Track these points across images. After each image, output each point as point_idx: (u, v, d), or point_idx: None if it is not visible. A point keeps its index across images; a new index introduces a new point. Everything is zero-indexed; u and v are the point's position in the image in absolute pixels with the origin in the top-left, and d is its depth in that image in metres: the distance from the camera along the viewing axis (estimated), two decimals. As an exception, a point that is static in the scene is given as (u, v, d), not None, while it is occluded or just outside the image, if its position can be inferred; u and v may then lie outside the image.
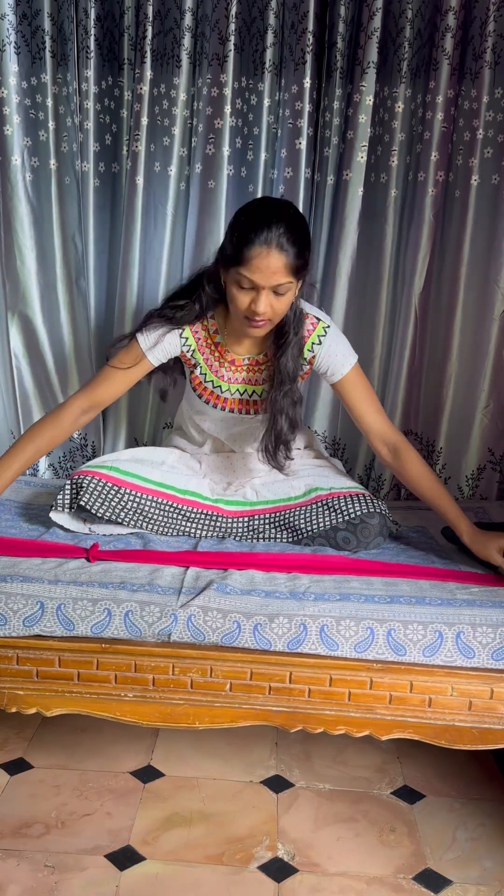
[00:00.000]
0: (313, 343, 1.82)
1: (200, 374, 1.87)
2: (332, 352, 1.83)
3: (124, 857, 1.58)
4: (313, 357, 1.84)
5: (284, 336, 1.77)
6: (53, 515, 1.82)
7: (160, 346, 1.82)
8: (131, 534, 1.86)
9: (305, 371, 1.86)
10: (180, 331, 1.83)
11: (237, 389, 1.88)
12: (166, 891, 1.50)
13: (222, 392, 1.88)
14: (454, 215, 2.19)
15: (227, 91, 2.14)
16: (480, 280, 2.20)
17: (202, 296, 1.79)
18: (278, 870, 1.56)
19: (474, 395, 2.27)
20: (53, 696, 1.56)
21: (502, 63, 2.08)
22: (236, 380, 1.87)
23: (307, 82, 2.11)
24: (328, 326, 1.83)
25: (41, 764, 1.85)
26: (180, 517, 1.87)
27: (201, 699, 1.54)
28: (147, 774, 1.83)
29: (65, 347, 2.33)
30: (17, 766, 1.84)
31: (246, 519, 1.92)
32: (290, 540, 1.88)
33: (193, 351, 1.85)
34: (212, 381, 1.87)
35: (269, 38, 2.14)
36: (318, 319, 1.83)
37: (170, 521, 1.86)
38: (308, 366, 1.85)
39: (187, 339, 1.84)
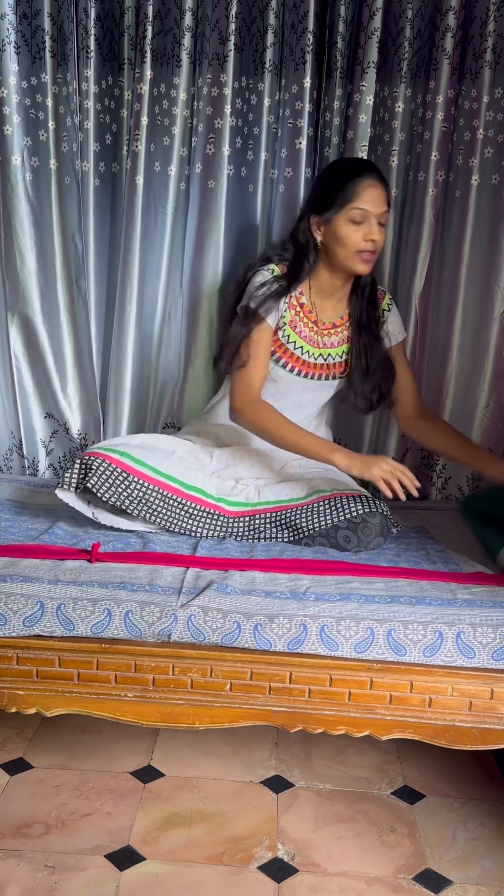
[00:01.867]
0: (383, 310, 2.08)
1: (283, 336, 1.97)
2: (394, 319, 2.10)
3: (124, 857, 1.58)
4: (384, 322, 2.07)
5: (363, 289, 2.02)
6: (59, 493, 1.82)
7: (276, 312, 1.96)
8: (131, 533, 1.86)
9: None
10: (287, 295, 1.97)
11: (320, 354, 2.02)
12: (166, 891, 1.50)
13: (305, 355, 2.00)
14: (454, 215, 2.19)
15: (227, 91, 2.14)
16: (480, 280, 2.20)
17: (308, 254, 1.95)
18: (278, 870, 1.56)
19: (474, 395, 2.27)
20: (53, 696, 1.56)
21: (502, 63, 2.08)
22: (322, 344, 2.01)
23: (307, 82, 2.12)
24: (392, 297, 2.11)
25: (41, 764, 1.85)
26: (183, 513, 1.87)
27: (201, 699, 1.54)
28: (147, 774, 1.83)
29: (65, 347, 2.33)
30: (17, 766, 1.84)
31: (247, 518, 1.91)
32: (291, 539, 1.87)
33: (284, 314, 1.97)
34: (297, 344, 1.98)
35: (270, 37, 2.14)
36: (384, 291, 2.10)
37: (172, 514, 1.86)
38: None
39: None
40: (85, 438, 2.40)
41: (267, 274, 1.94)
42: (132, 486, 1.81)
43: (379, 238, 1.89)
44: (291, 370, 2.00)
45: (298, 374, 2.01)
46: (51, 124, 2.17)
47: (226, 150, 2.18)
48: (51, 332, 2.32)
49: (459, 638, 1.48)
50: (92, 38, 2.15)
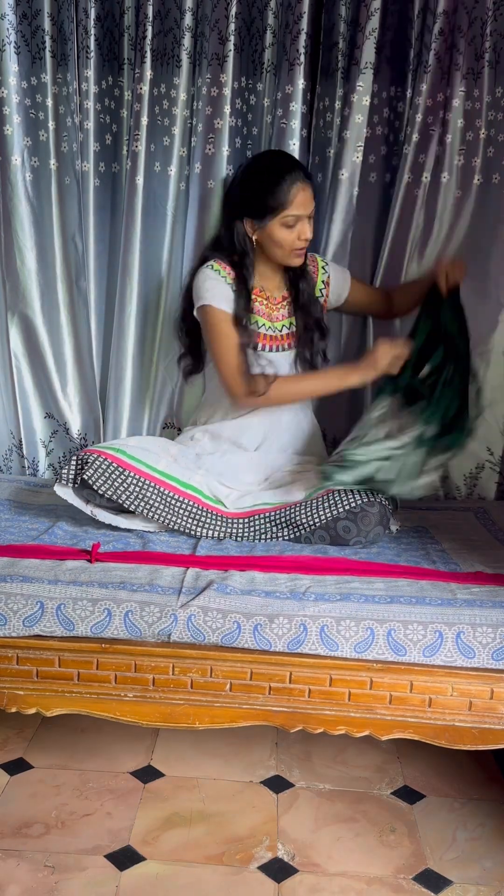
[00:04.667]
0: (322, 269, 2.12)
1: (251, 322, 2.00)
2: (335, 270, 2.15)
3: (124, 857, 1.58)
4: (329, 278, 2.12)
5: (293, 268, 2.04)
6: (57, 489, 1.83)
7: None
8: (130, 532, 1.86)
9: (325, 295, 2.12)
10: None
11: (272, 326, 2.05)
12: (166, 891, 1.50)
13: (270, 330, 2.03)
14: (454, 215, 2.19)
15: (227, 91, 2.14)
16: (481, 280, 2.20)
17: (248, 254, 1.99)
18: (278, 870, 1.56)
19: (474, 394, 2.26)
20: (53, 696, 1.56)
21: (502, 63, 2.08)
22: (280, 316, 2.06)
23: (301, 83, 2.11)
24: (323, 258, 2.16)
25: (41, 764, 1.85)
26: (182, 510, 1.87)
27: (201, 699, 1.54)
28: (147, 774, 1.83)
29: (65, 347, 2.33)
30: (17, 766, 1.84)
31: (246, 519, 1.92)
32: (291, 537, 1.88)
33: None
34: (260, 322, 2.02)
35: (268, 38, 2.14)
36: (314, 255, 2.13)
37: (170, 511, 1.86)
38: (326, 287, 2.11)
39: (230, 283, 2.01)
40: (85, 438, 2.40)
41: (209, 271, 1.98)
42: (129, 481, 1.82)
43: (311, 234, 1.96)
44: (264, 349, 2.01)
45: (271, 350, 2.02)
46: (51, 124, 2.17)
47: (225, 150, 2.17)
48: (51, 332, 2.32)
49: (459, 638, 1.48)
50: (92, 38, 2.15)
